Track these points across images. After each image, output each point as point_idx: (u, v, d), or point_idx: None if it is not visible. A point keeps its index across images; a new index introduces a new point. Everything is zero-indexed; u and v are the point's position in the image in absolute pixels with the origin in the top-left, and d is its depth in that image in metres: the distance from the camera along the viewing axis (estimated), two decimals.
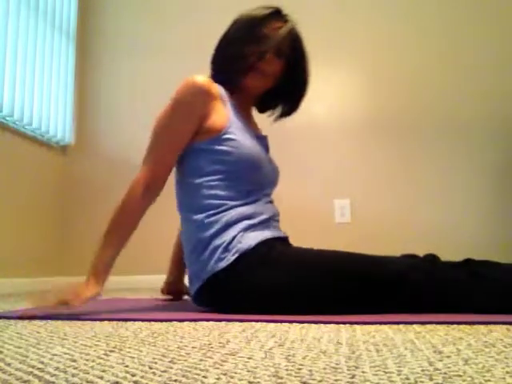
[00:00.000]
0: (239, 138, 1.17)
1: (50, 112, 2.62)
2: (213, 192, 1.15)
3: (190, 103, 1.14)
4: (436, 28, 2.64)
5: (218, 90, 1.20)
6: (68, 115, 2.81)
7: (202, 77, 1.18)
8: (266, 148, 1.33)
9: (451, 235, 2.40)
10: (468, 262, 1.05)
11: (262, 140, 1.30)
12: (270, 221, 1.21)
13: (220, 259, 1.10)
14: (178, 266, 1.50)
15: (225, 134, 1.16)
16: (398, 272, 1.04)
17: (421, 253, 1.13)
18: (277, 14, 1.25)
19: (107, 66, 2.92)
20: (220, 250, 1.11)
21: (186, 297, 1.56)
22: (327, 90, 2.69)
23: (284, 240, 1.24)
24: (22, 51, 2.38)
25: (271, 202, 1.28)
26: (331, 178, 2.57)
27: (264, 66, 1.21)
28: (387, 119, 2.60)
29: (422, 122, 2.57)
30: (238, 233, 1.12)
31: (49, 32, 2.63)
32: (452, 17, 2.63)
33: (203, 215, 1.15)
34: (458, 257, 1.11)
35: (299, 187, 2.59)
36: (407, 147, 2.55)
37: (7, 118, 2.26)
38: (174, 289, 1.53)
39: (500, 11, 2.58)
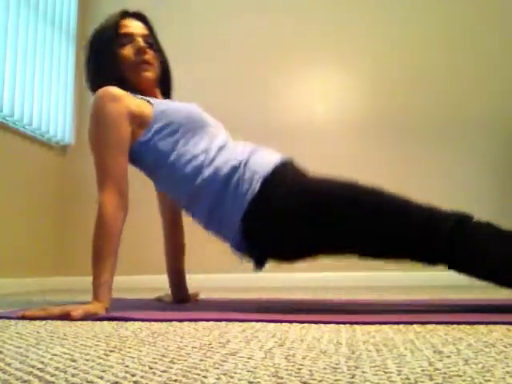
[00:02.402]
0: (168, 105, 1.23)
1: (50, 112, 2.63)
2: (189, 156, 1.18)
3: (114, 108, 1.17)
4: (438, 27, 2.64)
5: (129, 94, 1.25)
6: (68, 115, 2.81)
7: (112, 87, 1.22)
8: None
9: None
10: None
11: None
12: (261, 147, 1.24)
13: (244, 194, 1.11)
14: (177, 284, 1.48)
15: (156, 113, 1.20)
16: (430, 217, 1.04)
17: None
18: (124, 15, 1.36)
19: None
20: (240, 187, 1.12)
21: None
22: (327, 90, 2.69)
23: (293, 163, 1.26)
24: (21, 51, 2.38)
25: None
26: None
27: (140, 57, 1.28)
28: (388, 119, 2.60)
29: (423, 121, 2.57)
30: (246, 165, 1.14)
31: (49, 32, 2.64)
32: (454, 17, 2.63)
33: (204, 175, 1.16)
34: None
35: None
36: (408, 147, 2.55)
37: (7, 118, 2.27)
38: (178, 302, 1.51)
39: (503, 11, 2.58)
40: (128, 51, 1.28)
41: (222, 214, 1.15)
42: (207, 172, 1.16)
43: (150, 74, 1.30)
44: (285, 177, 1.14)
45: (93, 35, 1.34)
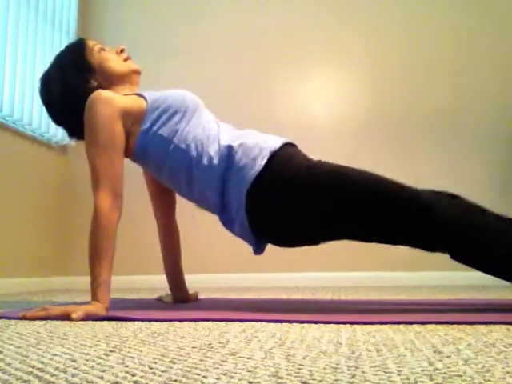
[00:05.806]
0: (159, 94, 1.25)
1: None
2: (192, 135, 1.20)
3: (105, 110, 1.18)
4: (438, 28, 2.63)
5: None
6: None
7: (102, 90, 1.24)
8: None
9: None
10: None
11: None
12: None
13: (251, 168, 1.12)
14: (176, 285, 1.48)
15: (149, 103, 1.22)
16: (428, 202, 1.05)
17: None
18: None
19: None
20: (246, 162, 1.13)
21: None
22: (327, 91, 2.68)
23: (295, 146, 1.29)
24: (22, 51, 2.38)
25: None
26: None
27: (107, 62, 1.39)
28: (387, 120, 2.59)
29: (423, 122, 2.56)
30: (254, 143, 1.16)
31: (49, 32, 2.63)
32: (455, 16, 2.63)
33: (210, 152, 1.17)
34: None
35: None
36: (407, 147, 2.55)
37: (7, 118, 2.26)
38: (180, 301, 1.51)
39: (506, 11, 2.58)
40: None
41: (230, 189, 1.16)
42: (213, 148, 1.17)
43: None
44: (291, 155, 1.17)
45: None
